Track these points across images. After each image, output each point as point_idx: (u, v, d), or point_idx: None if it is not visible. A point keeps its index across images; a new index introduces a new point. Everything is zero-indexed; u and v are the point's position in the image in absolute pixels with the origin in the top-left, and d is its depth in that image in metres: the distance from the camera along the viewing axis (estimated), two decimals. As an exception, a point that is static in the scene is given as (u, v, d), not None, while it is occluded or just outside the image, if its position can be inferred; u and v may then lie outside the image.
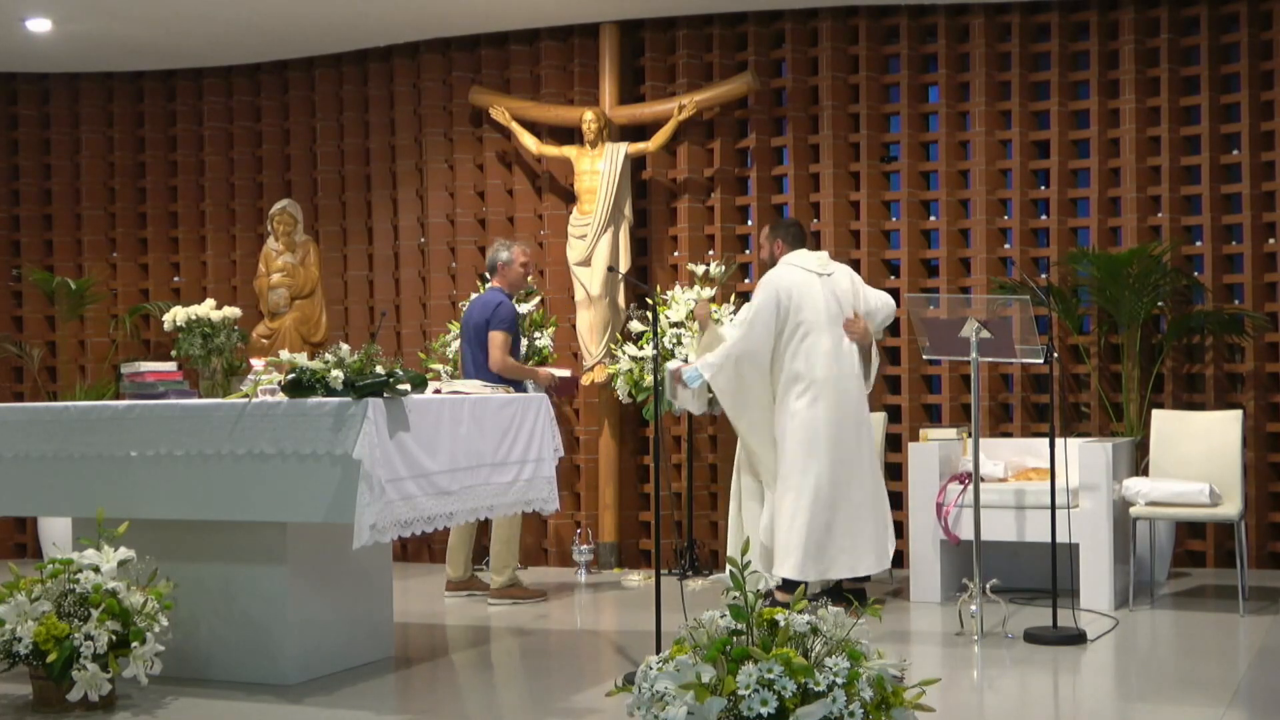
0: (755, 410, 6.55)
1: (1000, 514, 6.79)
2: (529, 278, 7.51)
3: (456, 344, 8.14)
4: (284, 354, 5.43)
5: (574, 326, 8.41)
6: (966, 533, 6.57)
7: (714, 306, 7.83)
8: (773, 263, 6.73)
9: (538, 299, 8.35)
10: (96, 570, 4.93)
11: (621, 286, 8.28)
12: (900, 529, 7.84)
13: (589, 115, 8.31)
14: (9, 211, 9.65)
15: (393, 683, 5.41)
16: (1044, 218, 8.16)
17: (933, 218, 8.29)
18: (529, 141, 8.57)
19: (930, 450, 7.02)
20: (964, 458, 7.08)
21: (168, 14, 8.18)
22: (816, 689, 3.31)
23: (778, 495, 6.46)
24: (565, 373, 7.37)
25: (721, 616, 3.52)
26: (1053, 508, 6.11)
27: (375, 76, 9.19)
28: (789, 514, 6.39)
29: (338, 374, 5.06)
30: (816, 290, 6.55)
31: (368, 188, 9.26)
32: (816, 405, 6.42)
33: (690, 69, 8.53)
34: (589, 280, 8.22)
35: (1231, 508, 6.59)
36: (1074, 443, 6.89)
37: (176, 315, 8.71)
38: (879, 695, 3.40)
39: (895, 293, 8.29)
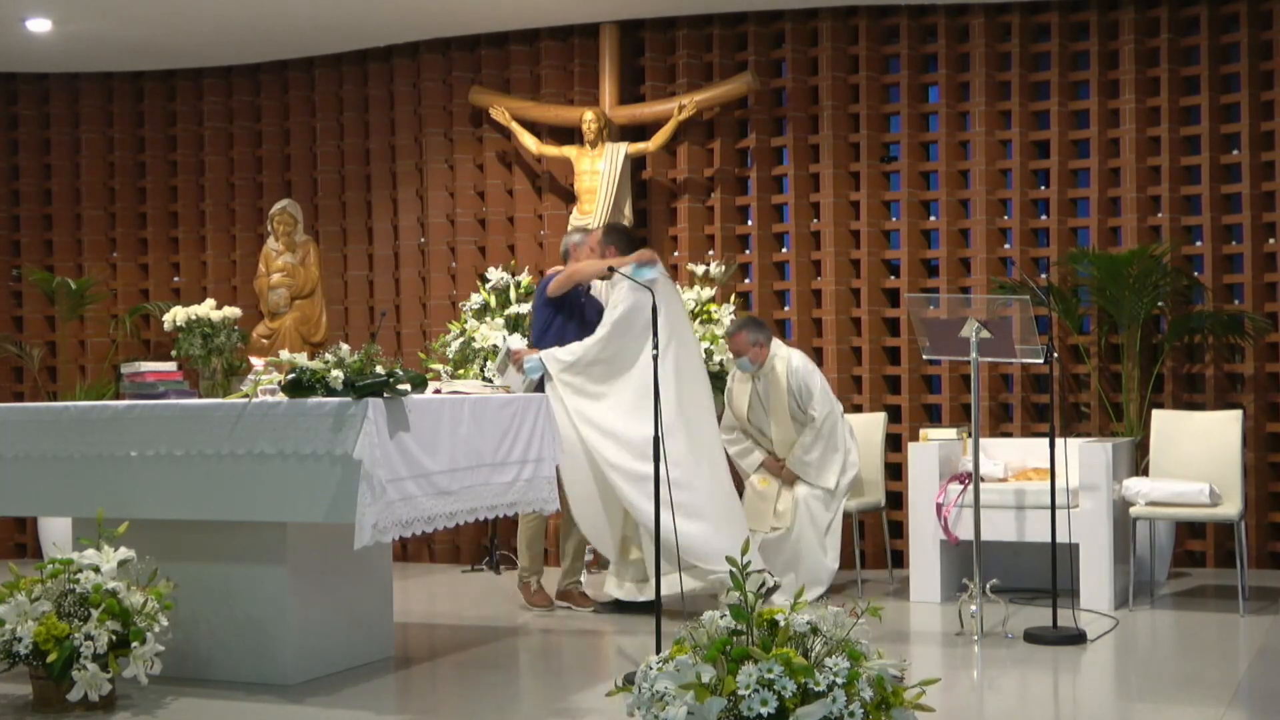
0: (601, 409, 6.45)
1: (1000, 514, 6.79)
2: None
3: (457, 344, 8.14)
4: (284, 354, 5.43)
5: (574, 326, 8.40)
6: (966, 533, 6.57)
7: (712, 306, 7.83)
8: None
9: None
10: (96, 570, 4.92)
11: (621, 286, 8.27)
12: (900, 529, 7.86)
13: (589, 115, 8.31)
14: (9, 211, 9.65)
15: (393, 683, 5.41)
16: (1044, 218, 8.16)
17: (933, 218, 8.29)
18: (529, 141, 8.57)
19: (930, 450, 7.02)
20: (964, 458, 7.08)
21: (168, 14, 8.18)
22: (816, 689, 3.31)
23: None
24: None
25: (721, 617, 3.52)
26: (1053, 508, 6.11)
27: (375, 76, 9.19)
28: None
29: (338, 374, 5.06)
30: (664, 297, 6.49)
31: (368, 188, 9.26)
32: (672, 409, 6.36)
33: (690, 69, 8.53)
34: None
35: (1231, 508, 6.59)
36: (1074, 443, 6.89)
37: (176, 315, 8.71)
38: (879, 695, 3.40)
39: (895, 293, 8.31)
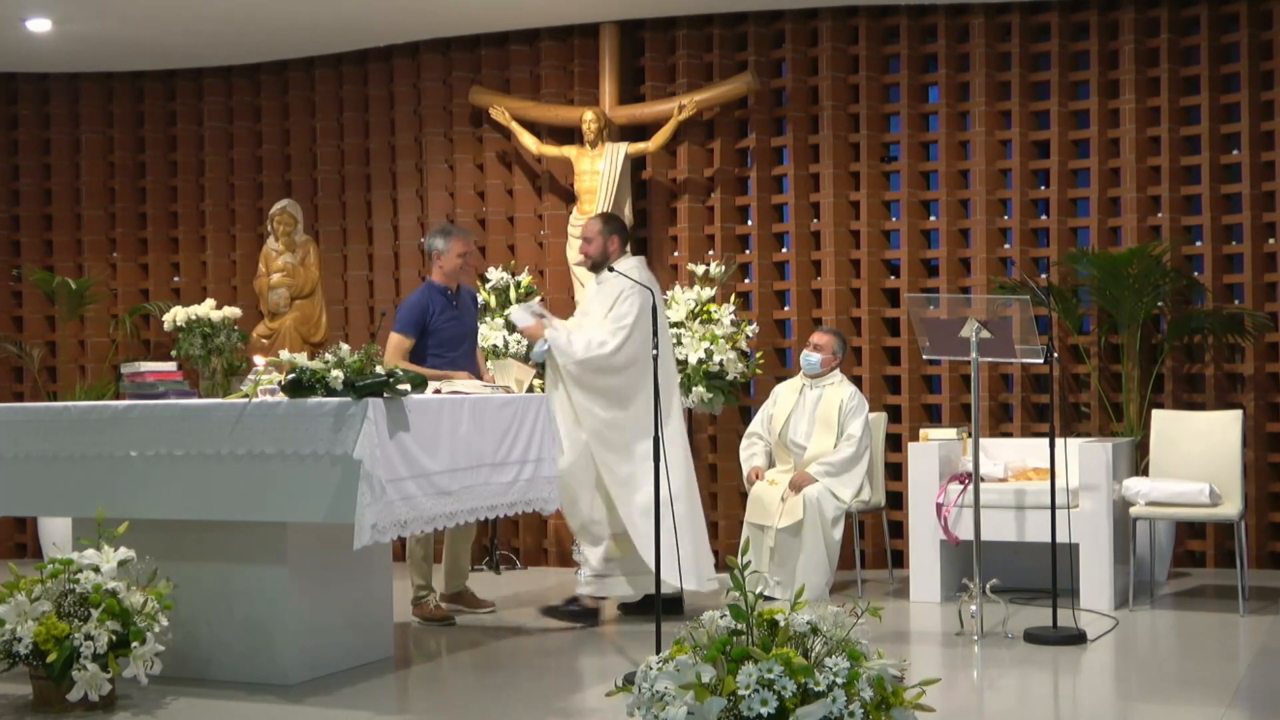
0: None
1: (1000, 514, 6.79)
2: (464, 270, 6.92)
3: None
4: (284, 354, 5.42)
5: (574, 326, 8.40)
6: (966, 533, 6.57)
7: (712, 306, 7.83)
8: (603, 258, 6.45)
9: (538, 299, 8.34)
10: (96, 570, 4.92)
11: (621, 286, 8.27)
12: (900, 529, 7.86)
13: (589, 115, 8.31)
14: (9, 211, 9.65)
15: (393, 683, 5.41)
16: (1044, 218, 8.16)
17: (933, 218, 8.29)
18: (529, 141, 8.57)
19: (930, 450, 7.02)
20: (964, 458, 7.08)
21: (168, 14, 8.18)
22: (816, 689, 3.31)
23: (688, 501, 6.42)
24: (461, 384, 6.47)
25: (721, 616, 3.52)
26: (1053, 508, 6.11)
27: (375, 76, 9.19)
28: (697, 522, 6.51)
29: (338, 374, 5.06)
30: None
31: (368, 188, 9.26)
32: (675, 416, 6.51)
33: (690, 69, 8.53)
34: (589, 280, 8.21)
35: (1231, 508, 6.59)
36: (1074, 443, 6.89)
37: (176, 315, 8.71)
38: (879, 695, 3.40)
39: (895, 293, 8.31)
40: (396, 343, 6.66)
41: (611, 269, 6.13)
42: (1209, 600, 7.01)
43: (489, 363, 7.27)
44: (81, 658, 4.73)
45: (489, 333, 7.93)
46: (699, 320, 7.80)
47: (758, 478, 7.22)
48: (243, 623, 5.31)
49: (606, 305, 6.44)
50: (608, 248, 6.49)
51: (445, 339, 6.73)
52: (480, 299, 8.13)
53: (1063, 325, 7.95)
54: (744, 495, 7.52)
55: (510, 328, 7.80)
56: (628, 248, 6.63)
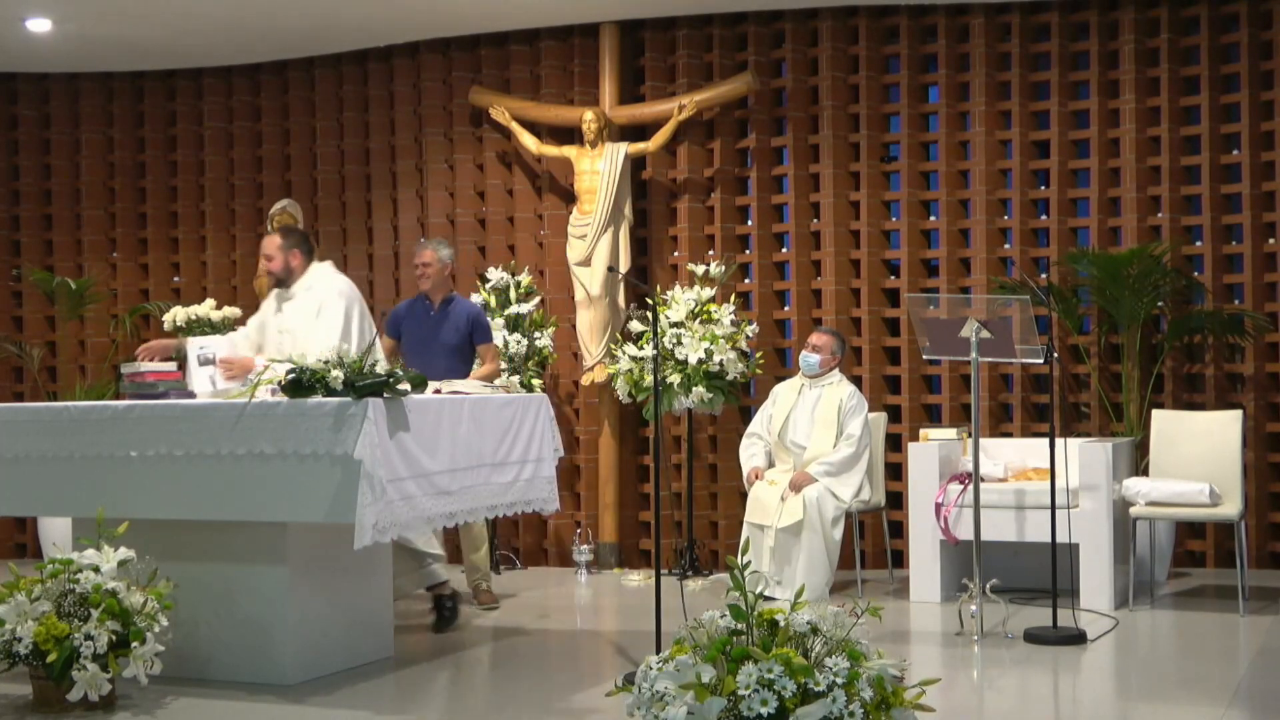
0: None
1: (1000, 514, 6.79)
2: (421, 279, 7.13)
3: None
4: (284, 354, 5.42)
5: (574, 326, 8.41)
6: (966, 533, 6.57)
7: (712, 306, 7.83)
8: (286, 274, 6.22)
9: (538, 299, 8.35)
10: (96, 570, 4.93)
11: (621, 286, 8.28)
12: (900, 529, 7.86)
13: (589, 115, 8.31)
14: (9, 211, 9.64)
15: (393, 683, 5.41)
16: (1044, 218, 8.16)
17: (933, 218, 8.29)
18: (529, 141, 8.57)
19: (930, 450, 7.02)
20: (964, 458, 7.08)
21: (168, 14, 8.18)
22: (816, 689, 3.31)
23: None
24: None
25: (721, 616, 3.52)
26: (1053, 508, 6.11)
27: (375, 76, 9.19)
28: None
29: (338, 374, 5.06)
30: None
31: (368, 188, 9.26)
32: None
33: (690, 69, 8.53)
34: (589, 280, 8.22)
35: (1231, 508, 6.59)
36: (1074, 443, 6.89)
37: (176, 315, 8.71)
38: (879, 695, 3.40)
39: (895, 293, 8.31)
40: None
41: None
42: (1209, 600, 7.01)
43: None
44: (81, 658, 4.74)
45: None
46: (699, 320, 7.80)
47: (758, 478, 7.23)
48: (243, 623, 5.31)
49: (308, 320, 6.11)
50: (289, 262, 6.24)
51: (408, 347, 6.93)
52: (480, 301, 8.13)
53: (1063, 325, 7.95)
54: (744, 495, 7.52)
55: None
56: (314, 257, 6.36)
